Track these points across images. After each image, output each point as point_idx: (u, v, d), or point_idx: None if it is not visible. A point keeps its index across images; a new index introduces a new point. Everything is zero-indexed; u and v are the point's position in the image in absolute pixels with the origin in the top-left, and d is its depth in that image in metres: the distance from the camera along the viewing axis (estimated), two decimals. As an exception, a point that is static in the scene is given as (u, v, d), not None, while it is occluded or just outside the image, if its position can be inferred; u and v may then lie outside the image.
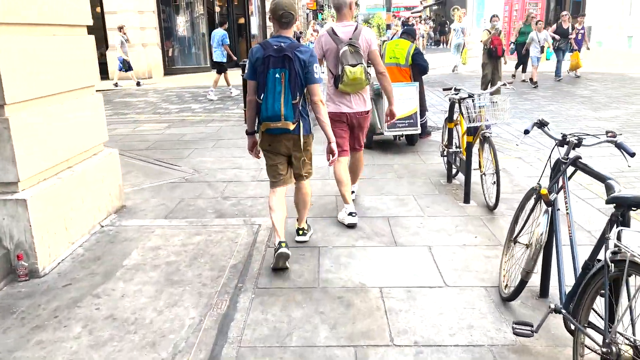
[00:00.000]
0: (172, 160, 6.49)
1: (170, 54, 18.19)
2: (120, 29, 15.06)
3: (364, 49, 3.98)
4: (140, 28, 16.86)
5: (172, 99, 12.66)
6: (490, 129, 4.50)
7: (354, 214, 4.12)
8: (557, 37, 13.35)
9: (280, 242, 3.39)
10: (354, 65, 3.87)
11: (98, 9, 16.89)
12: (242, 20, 20.34)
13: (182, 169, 6.11)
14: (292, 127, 3.29)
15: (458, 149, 5.01)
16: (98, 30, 17.23)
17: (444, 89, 5.01)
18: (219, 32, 12.73)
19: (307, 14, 37.74)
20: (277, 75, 3.20)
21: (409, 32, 6.98)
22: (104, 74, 16.94)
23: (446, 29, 29.15)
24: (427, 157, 6.32)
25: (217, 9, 20.55)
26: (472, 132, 4.49)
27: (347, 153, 4.25)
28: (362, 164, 4.55)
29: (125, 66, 15.04)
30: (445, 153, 5.41)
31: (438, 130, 7.86)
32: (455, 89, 4.71)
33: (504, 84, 4.63)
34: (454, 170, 5.26)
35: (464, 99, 4.57)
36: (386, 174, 5.64)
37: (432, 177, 5.50)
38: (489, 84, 10.34)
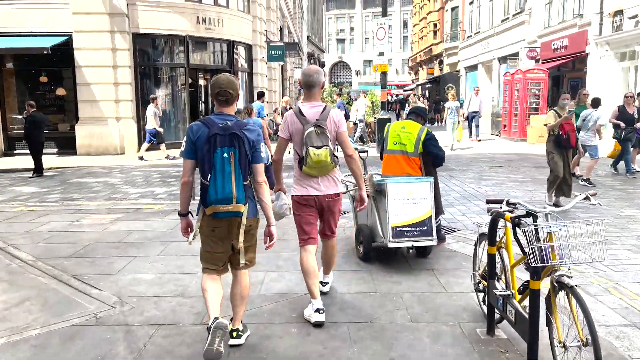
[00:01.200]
0: (95, 278, 4.69)
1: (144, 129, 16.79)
2: (153, 100, 14.35)
3: (331, 130, 3.73)
4: (115, 101, 15.53)
5: (136, 180, 10.99)
6: (568, 269, 2.79)
7: (321, 311, 3.69)
8: (621, 124, 10.10)
9: (215, 318, 3.05)
10: (318, 147, 3.64)
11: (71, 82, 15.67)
12: (228, 95, 19.26)
13: (102, 295, 4.29)
14: (242, 209, 3.13)
15: (506, 290, 3.25)
16: (69, 102, 15.92)
17: (489, 202, 3.32)
18: (256, 105, 13.16)
19: (299, 90, 37.30)
20: (225, 155, 3.05)
21: (418, 112, 5.46)
22: (73, 148, 15.43)
23: (440, 106, 28.49)
24: (448, 280, 4.57)
25: (203, 82, 19.52)
26: (536, 271, 2.79)
27: (315, 241, 3.90)
28: (335, 251, 4.17)
29: (160, 139, 14.30)
30: (481, 287, 3.68)
31: (453, 232, 6.18)
32: (509, 204, 3.04)
33: (587, 197, 2.94)
34: (496, 315, 3.49)
35: (521, 218, 2.90)
36: (394, 314, 3.84)
37: (463, 320, 3.72)
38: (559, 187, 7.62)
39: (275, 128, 20.31)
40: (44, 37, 14.80)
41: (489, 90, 31.65)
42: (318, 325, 3.63)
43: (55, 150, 15.80)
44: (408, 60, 66.64)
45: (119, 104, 15.63)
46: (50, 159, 14.39)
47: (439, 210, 5.32)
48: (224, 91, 3.16)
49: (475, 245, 3.92)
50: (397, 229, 4.76)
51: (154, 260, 5.24)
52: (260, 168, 3.20)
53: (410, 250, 5.22)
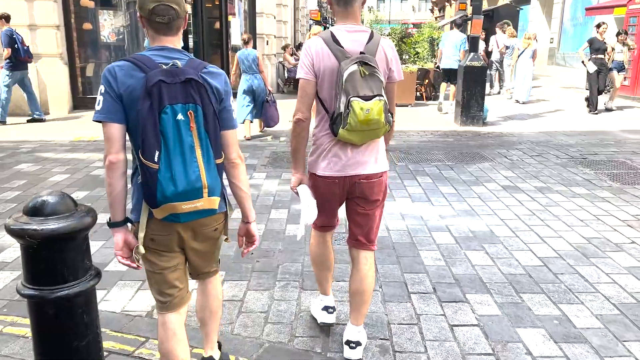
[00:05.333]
0: None
1: (86, 74, 10.76)
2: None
3: (383, 72, 2.28)
4: (28, 26, 9.47)
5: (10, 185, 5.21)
6: None
7: (331, 310, 2.74)
8: None
9: None
10: (367, 98, 2.19)
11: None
12: (217, 25, 13.12)
13: None
14: (217, 205, 1.92)
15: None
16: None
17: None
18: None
19: (310, 25, 30.60)
20: (179, 117, 1.74)
21: None
22: None
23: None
24: None
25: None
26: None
27: (334, 228, 2.68)
28: (374, 279, 2.54)
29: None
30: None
31: None
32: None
33: None
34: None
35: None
36: None
37: None
38: None
39: (286, 76, 14.25)
40: None
41: (545, 32, 25.39)
42: (325, 326, 2.73)
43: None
44: (429, -6, 58.62)
45: (35, 31, 9.57)
46: None
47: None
48: (164, 6, 1.78)
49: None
50: None
51: None
52: (232, 137, 1.98)
53: None
